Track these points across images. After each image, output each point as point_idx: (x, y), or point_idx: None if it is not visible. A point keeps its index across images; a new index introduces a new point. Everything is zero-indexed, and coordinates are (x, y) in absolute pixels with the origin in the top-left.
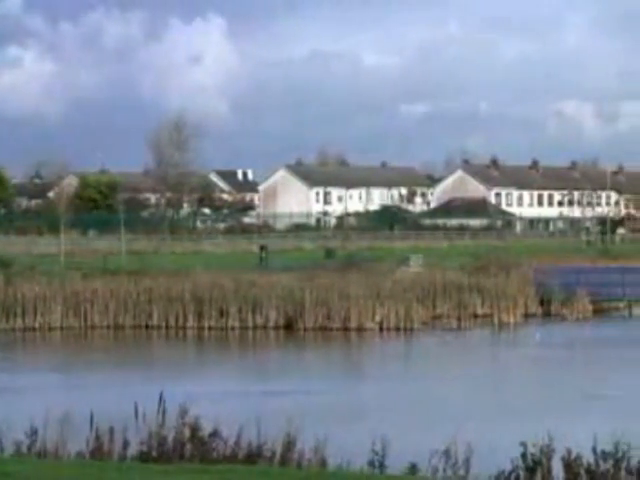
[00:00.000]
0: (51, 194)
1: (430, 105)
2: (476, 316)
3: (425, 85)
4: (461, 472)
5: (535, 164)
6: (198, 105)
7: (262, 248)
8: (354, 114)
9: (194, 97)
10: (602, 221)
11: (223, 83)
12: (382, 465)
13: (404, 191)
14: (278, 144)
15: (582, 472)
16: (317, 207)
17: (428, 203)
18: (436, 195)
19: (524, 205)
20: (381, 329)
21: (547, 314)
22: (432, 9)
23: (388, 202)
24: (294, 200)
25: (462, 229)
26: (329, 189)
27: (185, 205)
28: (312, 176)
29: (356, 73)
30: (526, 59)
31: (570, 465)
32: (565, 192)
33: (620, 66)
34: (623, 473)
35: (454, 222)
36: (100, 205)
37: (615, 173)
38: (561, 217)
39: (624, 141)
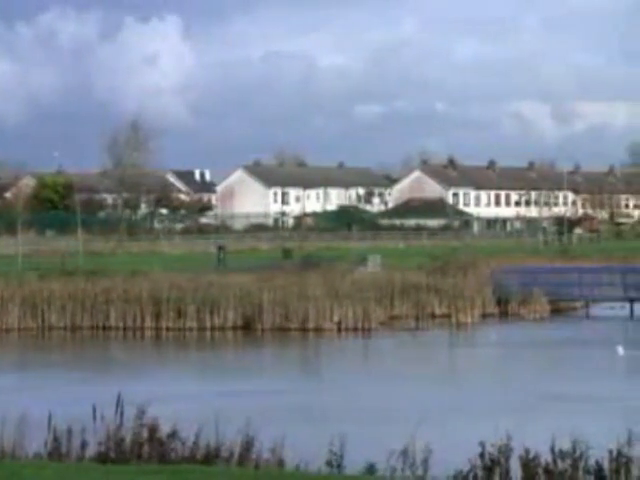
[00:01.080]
0: (8, 194)
1: (386, 106)
2: (434, 316)
3: (381, 86)
4: (419, 472)
5: (492, 164)
6: (155, 105)
7: (220, 248)
8: (311, 115)
9: (151, 97)
10: (559, 221)
11: (180, 83)
12: (340, 465)
13: (362, 191)
14: (236, 145)
15: (540, 471)
16: (275, 207)
17: (386, 203)
18: (394, 195)
19: (481, 205)
20: (339, 329)
21: (505, 314)
22: (388, 10)
23: (346, 202)
24: (252, 200)
25: (420, 229)
26: (287, 189)
27: (142, 206)
28: (270, 176)
29: (312, 74)
30: (482, 60)
31: (528, 464)
32: (522, 192)
33: (575, 67)
34: (581, 472)
35: (412, 222)
36: (57, 205)
37: (572, 173)
38: (518, 217)
39: (580, 141)
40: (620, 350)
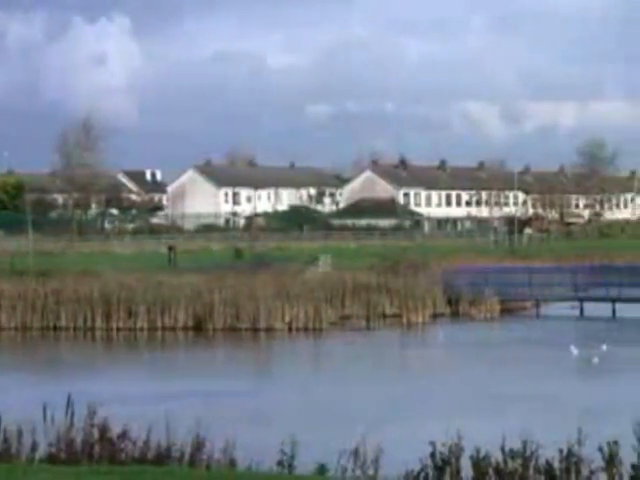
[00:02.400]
0: None
1: (337, 106)
2: (385, 316)
3: (331, 86)
4: (370, 472)
5: (443, 164)
6: (105, 105)
7: (170, 249)
8: (261, 115)
9: (100, 97)
10: (509, 221)
11: (129, 83)
12: (291, 465)
13: (313, 191)
14: (187, 145)
15: (491, 471)
16: (226, 207)
17: (337, 203)
18: (345, 195)
19: (432, 205)
20: (290, 329)
21: (455, 314)
22: (338, 10)
23: (297, 202)
24: (203, 200)
25: (371, 229)
26: (238, 189)
27: (93, 206)
28: (221, 177)
29: (262, 74)
30: (431, 60)
31: (479, 464)
32: (473, 192)
33: (523, 67)
34: (531, 472)
35: (363, 222)
36: (7, 206)
37: (522, 173)
38: (469, 217)
39: (530, 141)
40: (574, 350)
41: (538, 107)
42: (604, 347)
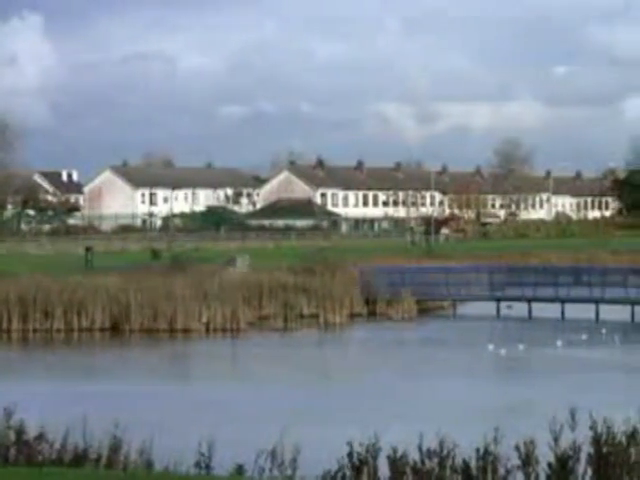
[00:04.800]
0: None
1: (250, 107)
2: (302, 316)
3: (244, 87)
4: (288, 472)
5: (360, 165)
6: (17, 105)
7: (87, 250)
8: (176, 116)
9: (12, 97)
10: (426, 221)
11: (42, 83)
12: (208, 466)
13: (230, 192)
14: (103, 146)
15: (408, 470)
16: (143, 208)
17: (254, 204)
18: (262, 196)
19: (349, 205)
20: (207, 330)
21: (373, 314)
22: (250, 11)
23: (214, 203)
24: (119, 201)
25: (288, 229)
26: (154, 190)
27: (9, 207)
28: (137, 177)
29: (175, 75)
30: (343, 60)
31: (396, 463)
32: (390, 193)
33: (436, 68)
34: (448, 471)
35: (280, 223)
36: None
37: (439, 174)
38: (386, 217)
39: (445, 142)
40: (491, 349)
41: (452, 108)
42: (520, 347)
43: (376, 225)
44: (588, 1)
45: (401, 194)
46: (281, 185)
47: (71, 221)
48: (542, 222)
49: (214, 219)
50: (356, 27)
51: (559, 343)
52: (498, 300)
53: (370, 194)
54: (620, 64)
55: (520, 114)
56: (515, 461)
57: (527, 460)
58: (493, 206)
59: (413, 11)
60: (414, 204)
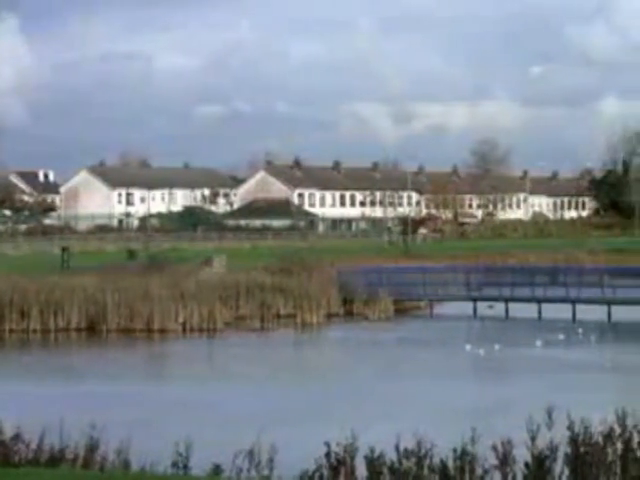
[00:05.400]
0: None
1: (227, 107)
2: (279, 316)
3: (221, 87)
4: (265, 472)
5: (337, 165)
6: None
7: (64, 250)
8: (153, 116)
9: None
10: (404, 221)
11: (18, 83)
12: (186, 466)
13: (207, 192)
14: (80, 145)
15: (385, 470)
16: (119, 208)
17: (231, 204)
18: (239, 196)
19: (327, 205)
20: (184, 330)
21: (350, 314)
22: (227, 11)
23: (191, 203)
24: (96, 201)
25: (265, 230)
26: (131, 190)
27: None
28: (114, 177)
29: (151, 74)
30: (320, 61)
31: (373, 463)
32: (367, 193)
33: (412, 68)
34: (426, 471)
35: (257, 223)
36: None
37: (416, 174)
38: (363, 217)
39: (422, 142)
40: (468, 349)
41: (429, 108)
42: (497, 347)
43: (353, 225)
44: (564, 1)
45: (378, 194)
46: (258, 185)
47: (47, 221)
48: (519, 222)
49: (191, 219)
50: (332, 27)
51: (538, 343)
52: (475, 300)
53: (347, 194)
54: (597, 64)
55: (497, 114)
56: (492, 461)
57: (504, 460)
58: (470, 206)
59: (390, 11)
60: (391, 204)
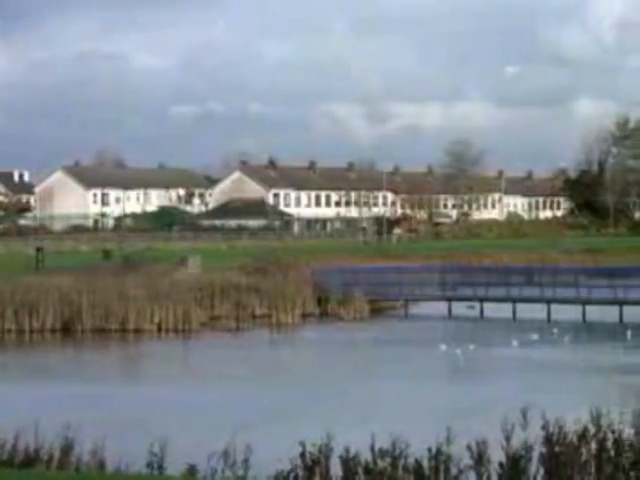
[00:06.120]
0: None
1: (201, 107)
2: (255, 316)
3: (195, 87)
4: (240, 472)
5: (313, 165)
6: None
7: (38, 250)
8: (128, 116)
9: None
10: (379, 221)
11: None
12: (161, 467)
13: (182, 192)
14: (54, 146)
15: (360, 470)
16: (95, 208)
17: (206, 204)
18: (215, 196)
19: (302, 206)
20: (159, 330)
21: (325, 314)
22: (198, 11)
23: (166, 203)
24: (71, 201)
25: (241, 230)
26: (107, 190)
27: None
28: (89, 177)
29: (126, 74)
30: (294, 61)
31: (348, 463)
32: (342, 193)
33: (386, 68)
34: (400, 471)
35: (232, 223)
36: None
37: (392, 174)
38: (338, 217)
39: (396, 142)
40: (443, 349)
41: (403, 108)
42: (471, 347)
43: (328, 225)
44: (539, 1)
45: (353, 194)
46: (233, 185)
47: (22, 222)
48: (494, 222)
49: (166, 219)
50: (306, 27)
51: (514, 343)
52: (450, 300)
53: (322, 194)
54: (571, 64)
55: (471, 114)
56: (467, 461)
57: (479, 460)
58: (445, 206)
59: (363, 11)
60: (366, 204)
